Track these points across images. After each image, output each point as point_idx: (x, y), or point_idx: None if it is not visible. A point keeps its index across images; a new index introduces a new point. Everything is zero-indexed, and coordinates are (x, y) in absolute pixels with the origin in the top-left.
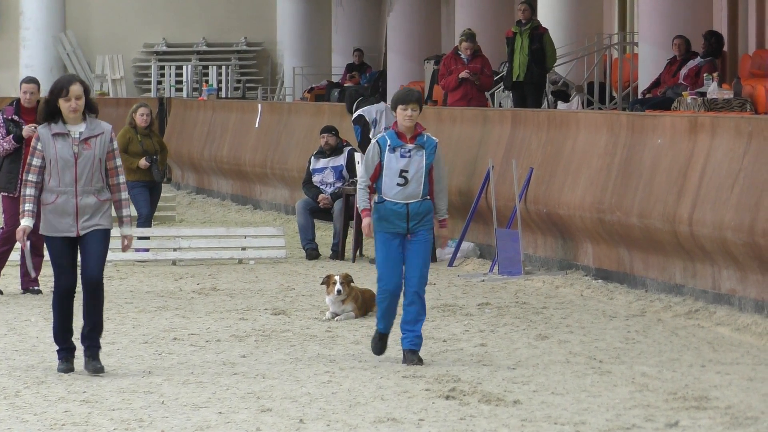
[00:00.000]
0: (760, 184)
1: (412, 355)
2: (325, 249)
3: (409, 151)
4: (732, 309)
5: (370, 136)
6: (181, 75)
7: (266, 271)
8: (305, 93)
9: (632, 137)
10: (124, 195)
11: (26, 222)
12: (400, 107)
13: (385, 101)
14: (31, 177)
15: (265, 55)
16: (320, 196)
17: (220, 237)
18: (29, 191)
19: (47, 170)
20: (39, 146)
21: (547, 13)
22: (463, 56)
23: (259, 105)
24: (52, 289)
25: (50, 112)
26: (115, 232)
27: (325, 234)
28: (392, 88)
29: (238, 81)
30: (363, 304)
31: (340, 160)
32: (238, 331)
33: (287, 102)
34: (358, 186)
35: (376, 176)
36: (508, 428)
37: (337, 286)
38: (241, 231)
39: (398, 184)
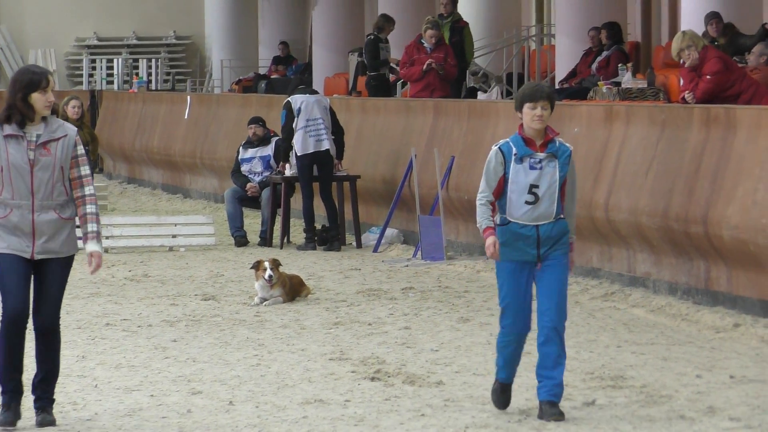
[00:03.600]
0: (674, 171)
1: (551, 408)
2: (253, 236)
3: (540, 161)
4: (647, 291)
5: (293, 125)
6: (112, 68)
7: (196, 258)
8: (233, 85)
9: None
10: (91, 208)
11: None
12: (527, 106)
13: (316, 92)
14: None
15: (193, 49)
16: (248, 185)
17: (151, 225)
18: None
19: None
20: None
21: (468, 7)
22: (426, 45)
23: (189, 97)
24: None
25: (15, 110)
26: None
27: (253, 222)
28: (318, 80)
29: (168, 74)
30: (291, 289)
31: (268, 150)
32: (169, 316)
33: (216, 94)
34: (478, 201)
35: (500, 192)
36: (432, 408)
37: (268, 272)
38: (172, 219)
39: (527, 202)
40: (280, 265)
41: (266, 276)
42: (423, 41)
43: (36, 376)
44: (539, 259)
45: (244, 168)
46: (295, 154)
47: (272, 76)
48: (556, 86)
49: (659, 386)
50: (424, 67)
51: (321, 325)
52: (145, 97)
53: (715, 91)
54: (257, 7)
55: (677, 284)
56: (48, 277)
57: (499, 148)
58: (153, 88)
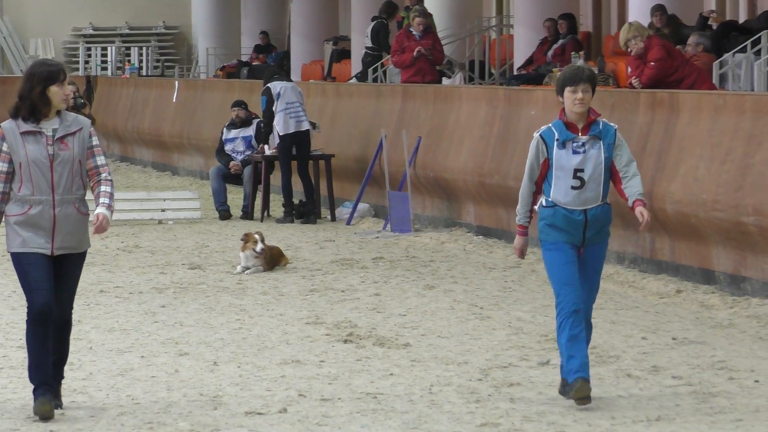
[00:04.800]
0: None
1: (583, 382)
2: (236, 210)
3: (583, 144)
4: None
5: (273, 108)
6: (106, 56)
7: (183, 231)
8: (218, 71)
9: (509, 109)
10: (107, 187)
11: None
12: (567, 89)
13: (290, 80)
14: None
15: (181, 38)
16: (231, 163)
17: (142, 200)
18: None
19: (15, 176)
20: (4, 147)
21: None
22: (415, 33)
23: (176, 82)
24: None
25: (36, 105)
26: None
27: (236, 197)
28: (296, 67)
29: (158, 61)
30: (270, 259)
31: (250, 131)
32: (159, 284)
33: (201, 79)
34: (521, 192)
35: (543, 177)
36: (400, 368)
37: (259, 245)
38: (161, 194)
39: (573, 187)
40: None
41: (258, 249)
42: (411, 29)
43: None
44: (584, 243)
45: (228, 147)
46: (278, 134)
47: (253, 63)
48: (514, 72)
49: (608, 347)
50: (414, 53)
51: (298, 292)
52: (136, 82)
53: (659, 76)
54: (240, 0)
55: (625, 254)
56: (65, 272)
57: (540, 135)
58: (144, 74)
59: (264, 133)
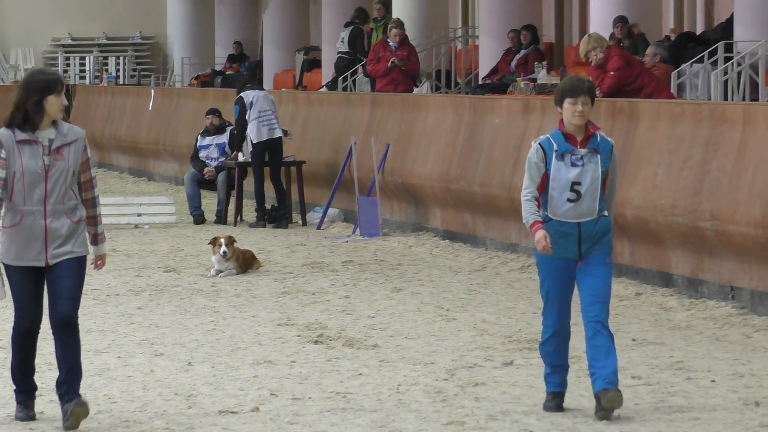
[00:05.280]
0: None
1: (607, 393)
2: (210, 215)
3: (582, 157)
4: None
5: (246, 117)
6: (84, 65)
7: (159, 235)
8: (192, 80)
9: (474, 117)
10: (97, 210)
11: None
12: (567, 101)
13: (263, 89)
14: None
15: (157, 48)
16: (206, 169)
17: (119, 205)
18: None
19: (8, 184)
20: (2, 154)
21: (401, 10)
22: (391, 43)
23: (152, 90)
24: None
25: (29, 114)
26: None
27: (210, 202)
28: (268, 76)
29: (134, 70)
30: (243, 262)
31: (223, 138)
32: (135, 286)
33: (177, 88)
34: (522, 197)
35: (543, 187)
36: (368, 368)
37: (223, 248)
38: (137, 200)
39: (569, 200)
40: (235, 241)
41: (221, 252)
42: (388, 40)
43: (59, 375)
44: (580, 256)
45: (202, 154)
46: (251, 142)
47: (227, 72)
48: (479, 82)
49: (570, 348)
50: (389, 64)
51: (270, 295)
52: (113, 90)
53: (619, 85)
54: (214, 11)
55: None
56: (63, 272)
57: (539, 144)
58: (121, 82)
59: (237, 141)
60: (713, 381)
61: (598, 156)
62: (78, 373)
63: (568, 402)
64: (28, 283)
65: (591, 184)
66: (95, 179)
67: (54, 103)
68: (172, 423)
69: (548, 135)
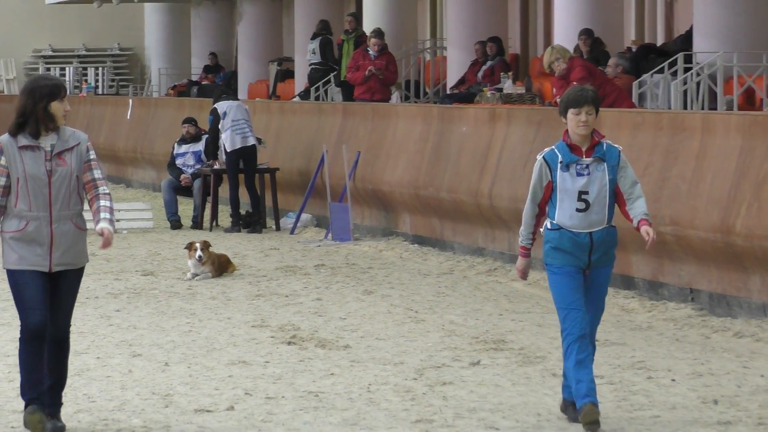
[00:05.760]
0: None
1: (591, 406)
2: (186, 220)
3: (587, 166)
4: None
5: (219, 126)
6: (64, 75)
7: (137, 239)
8: (169, 90)
9: (442, 126)
10: (106, 202)
11: None
12: (571, 111)
13: (237, 99)
14: None
15: (135, 59)
16: (182, 176)
17: None
18: None
19: (12, 191)
20: (2, 161)
21: (371, 22)
22: (371, 52)
23: (131, 100)
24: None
25: (40, 121)
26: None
27: (186, 208)
28: (243, 86)
29: (113, 80)
30: (218, 266)
31: (199, 146)
32: (113, 289)
33: (154, 97)
34: (524, 214)
35: (546, 200)
36: (340, 368)
37: (198, 253)
38: (116, 206)
39: (578, 210)
40: (210, 245)
41: (197, 256)
42: (368, 49)
43: (45, 383)
44: (589, 265)
45: (179, 161)
46: (225, 150)
47: (203, 83)
48: (447, 92)
49: (535, 348)
50: (366, 73)
51: (245, 297)
52: (93, 100)
53: None
54: (190, 23)
55: None
56: (63, 288)
57: (543, 157)
58: (100, 92)
59: (211, 150)
60: (673, 380)
61: (605, 164)
62: (63, 382)
63: (533, 400)
64: (34, 282)
65: (599, 192)
66: (102, 180)
67: (58, 109)
68: (149, 421)
69: (553, 147)
